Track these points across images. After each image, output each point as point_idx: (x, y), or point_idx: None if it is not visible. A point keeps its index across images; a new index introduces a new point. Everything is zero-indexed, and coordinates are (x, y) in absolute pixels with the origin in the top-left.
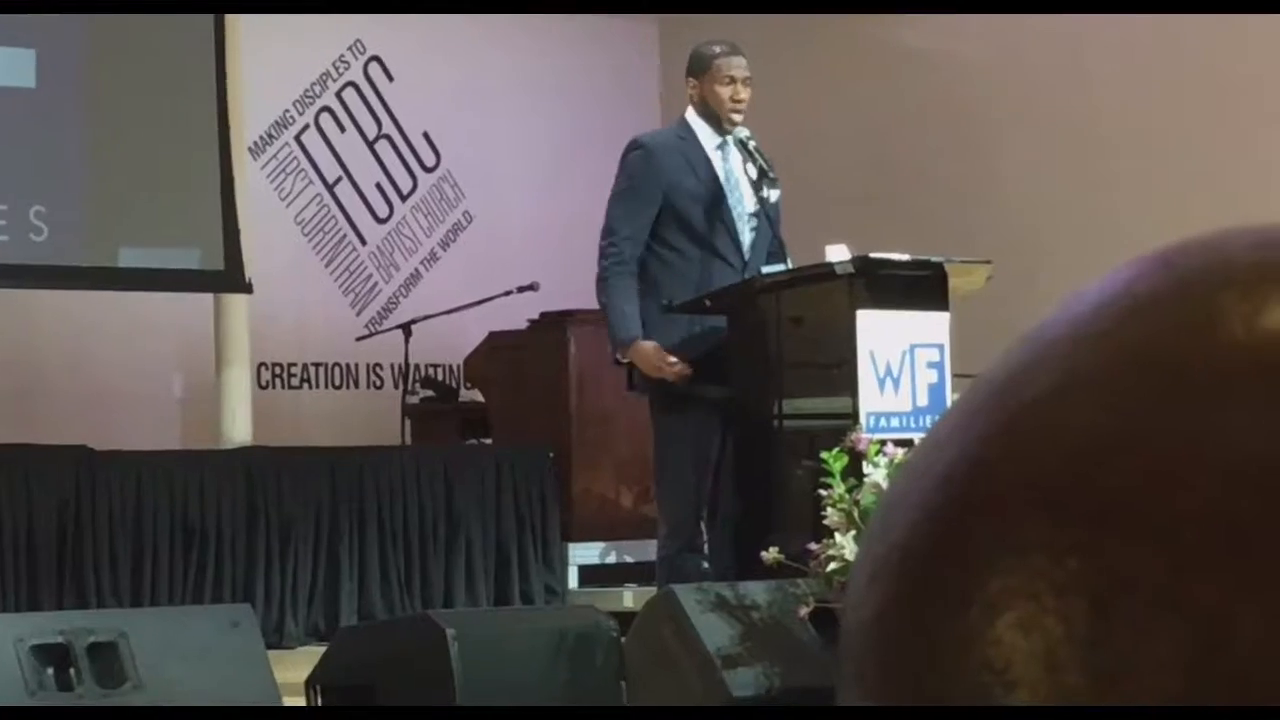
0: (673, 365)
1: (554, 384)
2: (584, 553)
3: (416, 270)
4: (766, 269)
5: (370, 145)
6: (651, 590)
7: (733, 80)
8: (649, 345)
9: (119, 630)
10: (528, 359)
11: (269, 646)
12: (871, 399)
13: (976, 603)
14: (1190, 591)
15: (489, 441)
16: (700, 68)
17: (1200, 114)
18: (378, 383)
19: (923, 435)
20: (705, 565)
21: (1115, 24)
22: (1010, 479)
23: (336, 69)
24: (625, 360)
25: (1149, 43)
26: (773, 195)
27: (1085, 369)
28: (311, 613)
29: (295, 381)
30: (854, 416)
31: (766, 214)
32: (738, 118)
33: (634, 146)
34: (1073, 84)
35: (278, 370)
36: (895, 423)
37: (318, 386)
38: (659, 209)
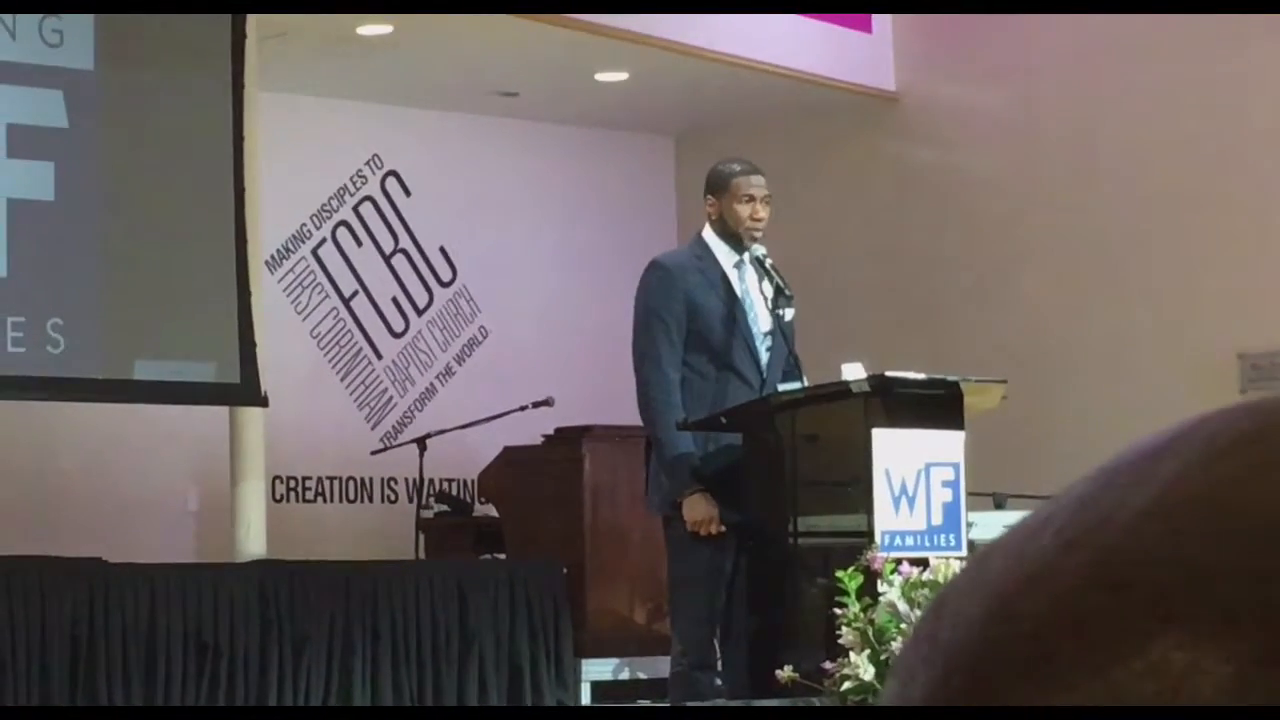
0: (712, 529)
1: (568, 499)
2: (597, 669)
3: (432, 385)
4: (783, 386)
5: (387, 260)
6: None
7: (752, 199)
8: (706, 501)
9: None
10: (542, 474)
11: None
12: (886, 517)
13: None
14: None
15: (503, 556)
16: (719, 186)
17: (1218, 229)
18: (392, 497)
19: (970, 557)
20: (718, 682)
21: (1128, 139)
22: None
23: (354, 183)
24: (676, 502)
25: (1163, 159)
26: (788, 313)
27: (1174, 500)
28: None
29: (310, 495)
30: (869, 535)
31: (782, 331)
32: (757, 235)
33: (653, 268)
34: (1088, 201)
35: (292, 484)
36: (910, 541)
37: (332, 500)
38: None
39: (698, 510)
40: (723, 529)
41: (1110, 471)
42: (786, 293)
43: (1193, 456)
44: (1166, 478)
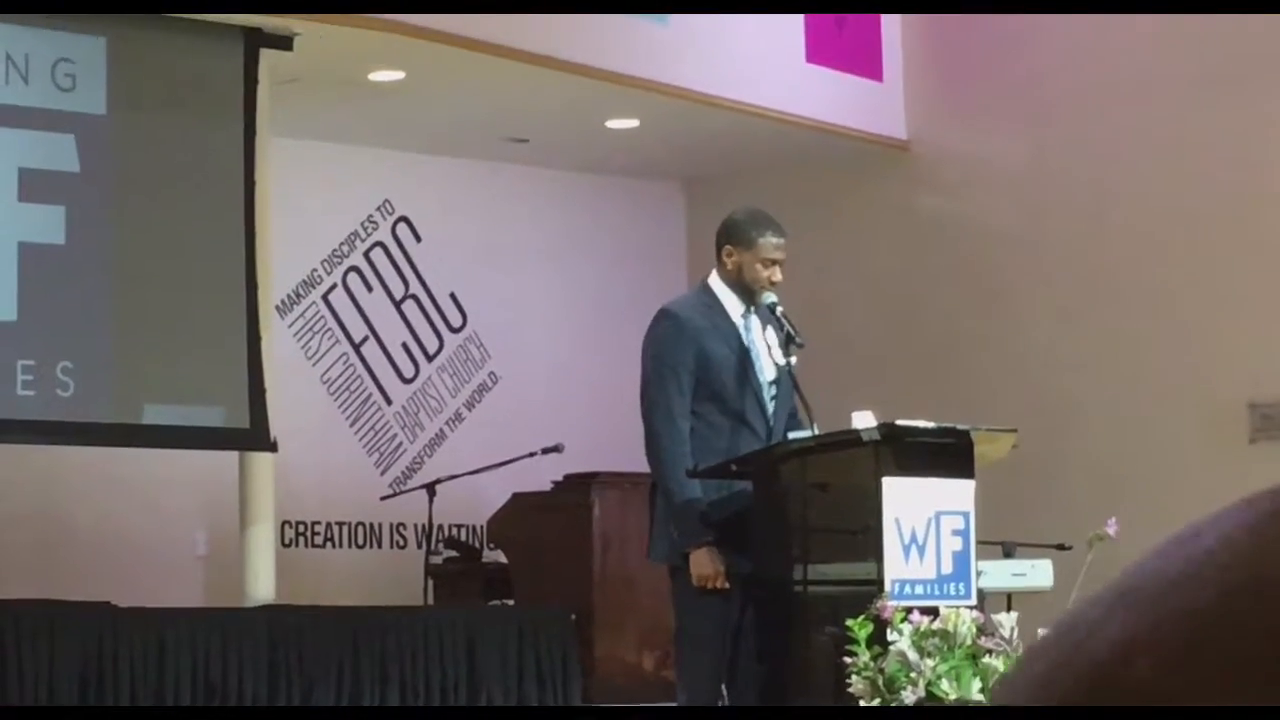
0: (718, 585)
1: (577, 546)
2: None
3: (441, 430)
4: (793, 435)
5: (397, 305)
6: None
7: (774, 262)
8: (712, 556)
9: None
10: (551, 520)
11: None
12: (896, 566)
13: None
14: None
15: (511, 602)
16: (743, 240)
17: (1229, 278)
18: (401, 542)
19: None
20: None
21: (1140, 188)
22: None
23: (365, 229)
24: (683, 552)
25: (1175, 208)
26: (791, 360)
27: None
28: None
29: (319, 540)
30: (878, 583)
31: (791, 377)
32: (771, 297)
33: (663, 316)
34: (1099, 249)
35: (301, 529)
36: (920, 590)
37: (341, 545)
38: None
39: (704, 565)
40: (726, 586)
41: (1176, 556)
42: (798, 340)
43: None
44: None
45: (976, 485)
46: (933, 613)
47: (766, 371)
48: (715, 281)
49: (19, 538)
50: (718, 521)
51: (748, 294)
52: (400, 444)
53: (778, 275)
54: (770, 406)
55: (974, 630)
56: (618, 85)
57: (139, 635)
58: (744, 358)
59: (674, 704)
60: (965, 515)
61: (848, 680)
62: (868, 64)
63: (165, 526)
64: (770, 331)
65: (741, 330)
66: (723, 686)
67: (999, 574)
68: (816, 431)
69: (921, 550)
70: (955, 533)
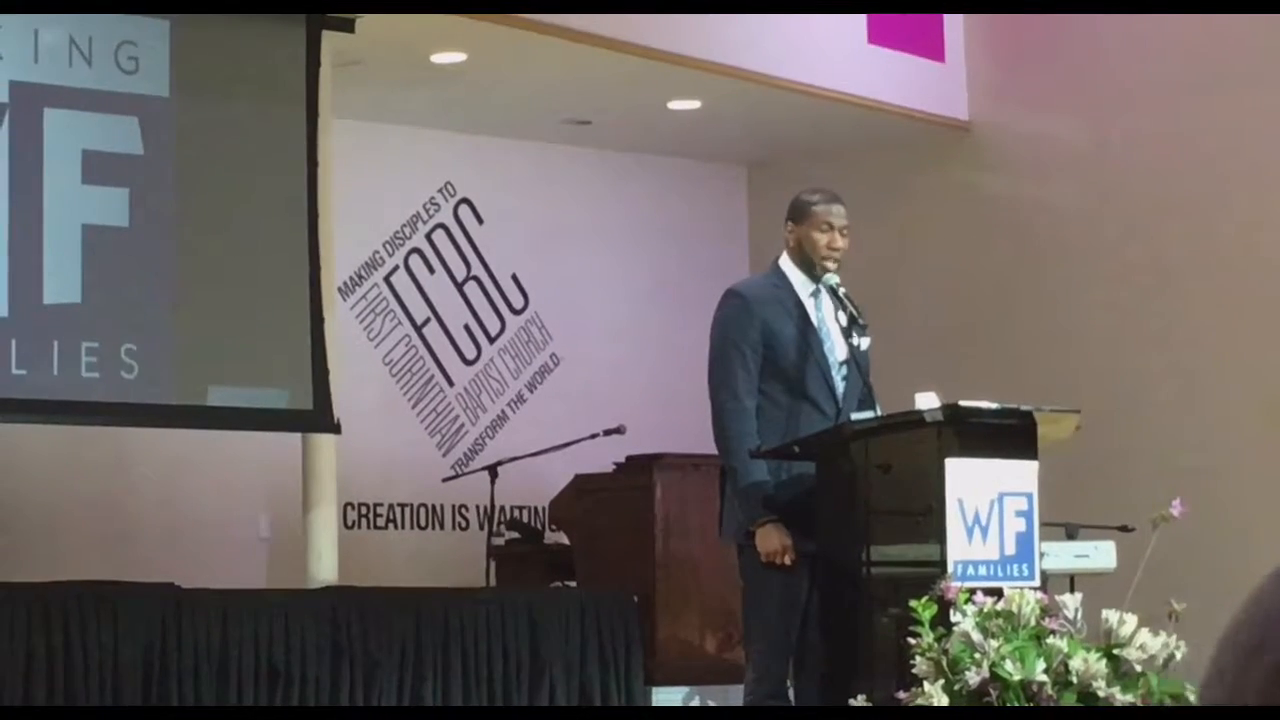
0: (786, 560)
1: (639, 527)
2: (667, 697)
3: (503, 412)
4: (856, 416)
5: (459, 287)
6: None
7: (831, 227)
8: (779, 531)
9: None
10: (613, 502)
11: None
12: (959, 547)
13: None
14: None
15: (574, 584)
16: (799, 213)
17: None
18: (463, 524)
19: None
20: None
21: (1203, 170)
22: None
23: (427, 211)
24: (750, 531)
25: (1238, 190)
26: (863, 343)
27: None
28: None
29: (381, 522)
30: (941, 564)
31: (856, 361)
32: (831, 265)
33: (730, 296)
34: (1162, 232)
35: (364, 510)
36: (983, 571)
37: (403, 527)
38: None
39: (770, 541)
40: (795, 559)
41: None
42: (860, 321)
43: None
44: None
45: (1040, 466)
46: (997, 594)
47: (838, 352)
48: (784, 262)
49: (84, 519)
50: (783, 503)
51: (814, 270)
52: (462, 425)
53: (839, 241)
54: (840, 387)
55: (1038, 611)
56: (679, 66)
57: (202, 616)
58: (811, 337)
59: (737, 684)
60: (1028, 496)
61: (911, 662)
62: (929, 45)
63: (228, 508)
64: (841, 313)
65: (811, 310)
66: (789, 669)
67: (1062, 555)
68: (879, 412)
69: (985, 531)
70: (1018, 514)
